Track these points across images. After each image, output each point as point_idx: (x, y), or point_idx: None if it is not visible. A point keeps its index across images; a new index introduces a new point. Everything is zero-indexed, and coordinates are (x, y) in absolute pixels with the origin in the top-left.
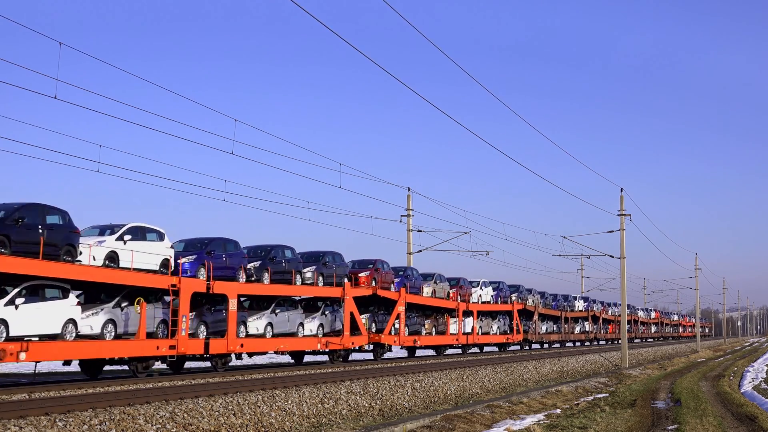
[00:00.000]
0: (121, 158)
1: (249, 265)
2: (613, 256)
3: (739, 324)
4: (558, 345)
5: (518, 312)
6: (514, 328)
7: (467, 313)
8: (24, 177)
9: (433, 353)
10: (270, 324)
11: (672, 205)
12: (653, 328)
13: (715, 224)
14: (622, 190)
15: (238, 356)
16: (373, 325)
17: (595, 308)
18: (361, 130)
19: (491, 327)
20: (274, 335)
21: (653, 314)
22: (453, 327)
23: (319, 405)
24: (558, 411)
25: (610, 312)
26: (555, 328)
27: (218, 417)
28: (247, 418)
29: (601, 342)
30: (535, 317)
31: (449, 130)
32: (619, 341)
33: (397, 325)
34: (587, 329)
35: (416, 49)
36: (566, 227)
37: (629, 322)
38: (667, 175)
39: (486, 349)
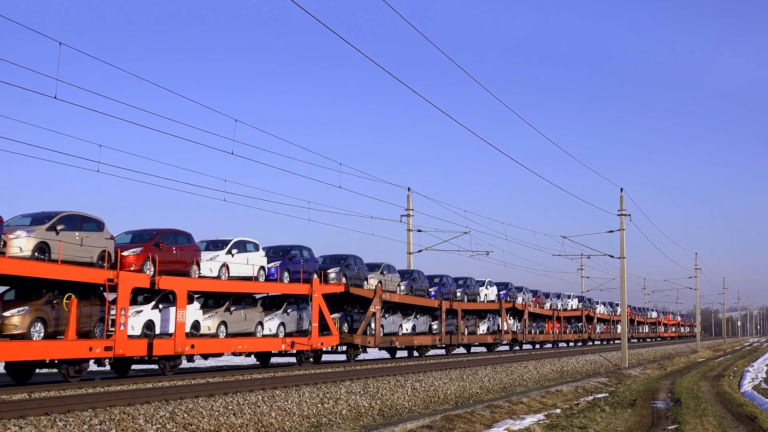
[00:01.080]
0: (121, 158)
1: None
2: (613, 256)
3: (739, 324)
4: (444, 351)
5: (344, 299)
6: (314, 325)
7: (170, 298)
8: (24, 177)
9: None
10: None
11: (672, 205)
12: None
13: (715, 224)
14: (622, 190)
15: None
16: None
17: (520, 299)
18: (361, 130)
19: (261, 324)
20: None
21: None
22: (128, 323)
23: (319, 405)
24: (558, 411)
25: (547, 305)
26: (434, 327)
27: (218, 417)
28: (247, 418)
29: (546, 345)
30: (374, 308)
31: (449, 130)
32: (554, 345)
33: None
34: (499, 328)
35: (416, 49)
36: (566, 227)
37: (583, 318)
38: (667, 175)
39: (277, 360)
